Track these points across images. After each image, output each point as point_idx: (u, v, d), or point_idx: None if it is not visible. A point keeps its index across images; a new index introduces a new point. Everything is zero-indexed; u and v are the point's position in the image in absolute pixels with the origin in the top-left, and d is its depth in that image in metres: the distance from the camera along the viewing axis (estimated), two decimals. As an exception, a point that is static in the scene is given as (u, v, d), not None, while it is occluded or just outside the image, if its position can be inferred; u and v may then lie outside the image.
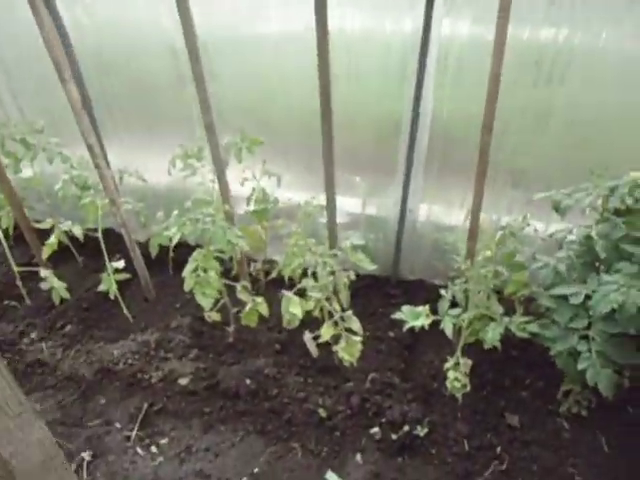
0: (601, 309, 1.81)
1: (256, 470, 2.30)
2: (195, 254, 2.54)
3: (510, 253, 2.36)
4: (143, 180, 3.08)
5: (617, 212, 2.10)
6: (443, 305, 2.33)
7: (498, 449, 2.31)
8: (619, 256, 1.93)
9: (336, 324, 2.36)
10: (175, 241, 2.45)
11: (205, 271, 2.43)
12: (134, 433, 2.46)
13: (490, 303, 2.34)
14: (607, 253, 1.94)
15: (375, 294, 3.17)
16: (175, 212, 2.63)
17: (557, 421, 2.43)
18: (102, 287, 3.10)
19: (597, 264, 2.12)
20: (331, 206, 2.48)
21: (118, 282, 3.06)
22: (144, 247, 3.23)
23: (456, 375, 2.30)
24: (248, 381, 2.57)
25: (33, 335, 2.90)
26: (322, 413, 2.43)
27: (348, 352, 2.34)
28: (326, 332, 2.33)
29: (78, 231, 3.01)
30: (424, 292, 3.13)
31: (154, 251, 3.24)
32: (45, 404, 2.60)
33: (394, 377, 2.59)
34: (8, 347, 2.84)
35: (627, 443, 2.32)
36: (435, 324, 2.92)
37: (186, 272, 2.46)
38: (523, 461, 2.27)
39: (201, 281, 2.42)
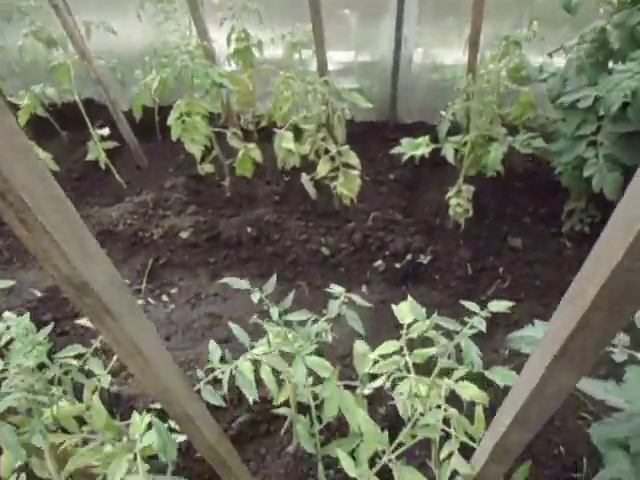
0: (613, 101, 1.69)
1: (265, 307, 2.36)
2: (179, 101, 2.38)
3: (515, 67, 2.19)
4: (113, 32, 2.81)
5: (635, 1, 1.88)
6: (443, 127, 2.21)
7: (500, 269, 2.34)
8: (634, 44, 1.76)
9: (332, 159, 2.27)
10: (155, 85, 2.28)
11: (189, 116, 2.29)
12: (143, 286, 2.50)
13: (493, 125, 2.22)
14: (621, 43, 1.77)
15: (373, 139, 3.04)
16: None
17: (559, 241, 2.44)
18: (90, 156, 2.99)
19: (609, 63, 1.95)
20: (318, 32, 2.25)
21: (107, 151, 2.95)
22: (129, 115, 3.07)
23: (458, 201, 2.26)
24: (249, 229, 2.56)
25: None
26: (325, 252, 2.44)
27: (347, 187, 2.28)
28: (322, 167, 2.25)
29: (52, 92, 2.81)
30: (424, 133, 3.00)
31: (138, 114, 3.06)
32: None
33: (396, 214, 2.57)
34: None
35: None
36: (437, 164, 2.83)
37: (171, 119, 2.32)
38: (525, 278, 2.30)
39: (188, 127, 2.29)
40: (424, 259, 2.34)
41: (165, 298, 2.47)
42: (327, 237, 2.47)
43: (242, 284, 1.33)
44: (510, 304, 1.16)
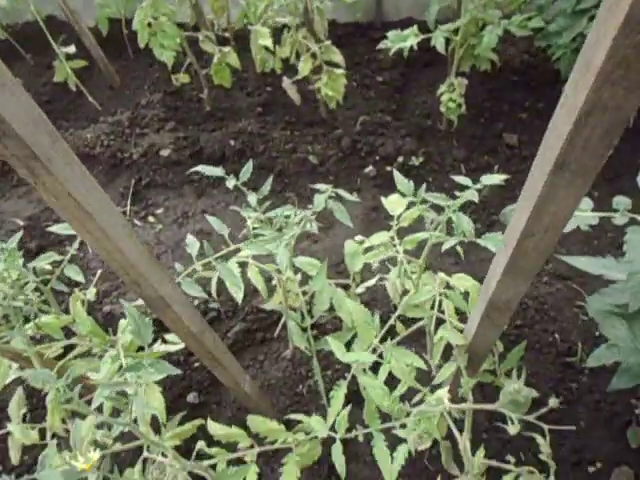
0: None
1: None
2: (144, 3, 2.17)
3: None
4: None
5: None
6: (432, 10, 2.03)
7: (496, 167, 2.25)
8: None
9: (314, 56, 2.11)
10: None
11: (156, 18, 2.10)
12: (128, 208, 2.42)
13: (487, 8, 2.03)
14: None
15: (359, 42, 2.84)
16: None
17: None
18: (58, 77, 2.81)
19: None
20: None
21: (75, 71, 2.76)
22: (97, 33, 2.85)
23: (451, 96, 2.13)
24: (232, 142, 2.43)
25: None
26: (313, 160, 2.34)
27: (332, 88, 2.13)
28: (304, 66, 2.09)
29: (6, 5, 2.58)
30: (413, 31, 2.79)
31: (104, 27, 2.86)
32: (30, 196, 2.54)
33: (385, 117, 2.43)
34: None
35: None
36: (427, 64, 2.65)
37: (135, 23, 2.13)
38: (522, 174, 2.22)
39: (156, 31, 2.10)
40: (416, 161, 2.24)
41: (152, 219, 2.40)
42: (314, 145, 2.36)
43: (216, 171, 1.24)
44: (504, 176, 1.08)
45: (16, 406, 1.46)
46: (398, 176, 1.20)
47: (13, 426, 1.23)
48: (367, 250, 1.33)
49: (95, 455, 0.71)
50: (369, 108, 2.51)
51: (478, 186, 1.06)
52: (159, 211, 2.42)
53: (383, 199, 1.45)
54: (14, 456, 1.39)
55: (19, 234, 1.21)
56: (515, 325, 1.83)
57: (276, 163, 2.36)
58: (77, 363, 1.32)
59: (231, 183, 1.24)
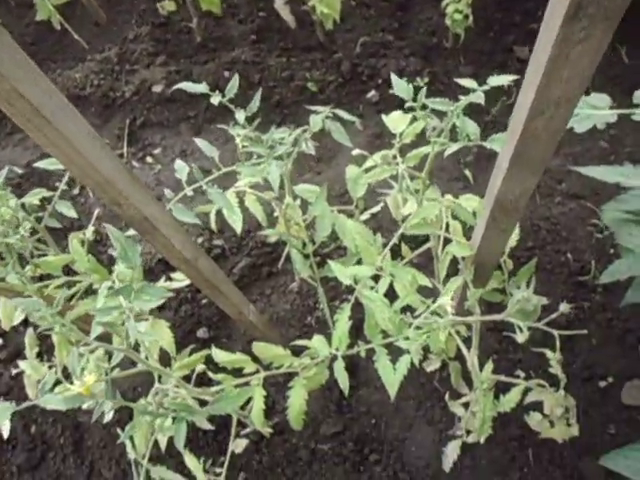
0: None
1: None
2: None
3: None
4: None
5: None
6: None
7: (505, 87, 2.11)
8: None
9: (307, -30, 1.94)
10: None
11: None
12: (125, 150, 2.36)
13: None
14: None
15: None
16: None
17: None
18: (40, 15, 2.65)
19: None
20: None
21: (58, 8, 2.60)
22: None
23: (456, 6, 1.97)
24: (226, 73, 2.31)
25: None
26: (312, 88, 2.22)
27: (328, 5, 1.98)
28: (296, -19, 1.93)
29: None
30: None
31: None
32: (26, 143, 2.47)
33: (387, 36, 2.28)
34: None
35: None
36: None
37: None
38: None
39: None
40: (421, 82, 2.11)
41: (149, 160, 2.34)
42: (312, 71, 2.23)
43: (198, 87, 1.16)
44: (513, 77, 0.99)
45: (28, 346, 1.48)
46: (395, 79, 1.11)
47: (24, 363, 1.25)
48: (368, 171, 1.27)
49: (91, 378, 0.70)
50: (369, 28, 2.35)
51: (485, 87, 0.97)
52: (157, 151, 2.35)
53: (384, 117, 1.36)
54: (31, 392, 1.43)
55: (4, 171, 1.17)
56: (526, 247, 1.78)
57: (274, 93, 2.25)
58: (79, 303, 1.31)
59: (216, 100, 1.17)
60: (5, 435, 1.63)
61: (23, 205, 1.17)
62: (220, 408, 0.81)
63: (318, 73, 2.21)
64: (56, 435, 1.71)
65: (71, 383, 1.34)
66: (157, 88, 2.36)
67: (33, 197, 1.19)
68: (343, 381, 0.88)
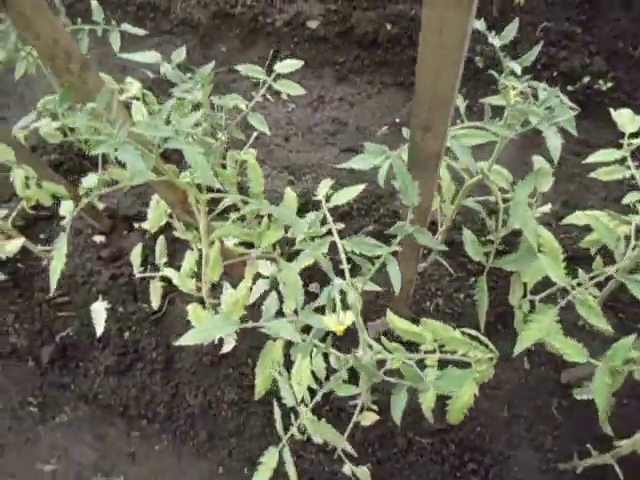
0: None
1: (397, 120, 2.09)
2: None
3: None
4: None
5: None
6: None
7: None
8: None
9: None
10: None
11: None
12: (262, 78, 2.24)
13: None
14: None
15: None
16: None
17: None
18: None
19: None
20: None
21: None
22: None
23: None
24: (388, 26, 2.16)
25: (137, -26, 2.53)
26: (479, 63, 2.04)
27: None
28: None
29: None
30: None
31: None
32: (164, 49, 2.40)
33: (573, 27, 2.07)
34: (114, -14, 2.53)
35: None
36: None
37: None
38: None
39: None
40: (603, 86, 1.91)
41: (285, 97, 2.23)
42: (482, 46, 2.05)
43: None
44: None
45: (159, 253, 1.43)
46: None
47: (170, 270, 1.18)
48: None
49: (349, 318, 0.60)
50: (553, 14, 2.14)
51: None
52: (294, 91, 2.24)
53: (612, 111, 1.20)
54: (155, 301, 1.38)
55: (210, 65, 1.08)
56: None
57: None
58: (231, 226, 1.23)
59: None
60: (98, 333, 1.61)
61: (214, 107, 1.08)
62: (442, 386, 0.72)
63: (488, 49, 2.03)
64: (149, 348, 1.67)
65: (212, 308, 1.28)
66: (312, 24, 2.23)
67: (230, 101, 1.09)
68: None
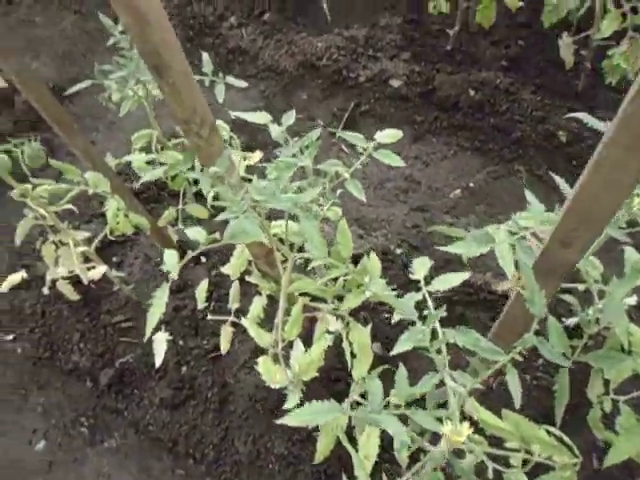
0: None
1: (471, 185, 2.08)
2: None
3: None
4: None
5: None
6: None
7: None
8: None
9: (624, 17, 1.74)
10: None
11: None
12: (339, 130, 2.30)
13: None
14: None
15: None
16: None
17: None
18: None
19: None
20: None
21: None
22: None
23: None
24: (472, 92, 2.18)
25: (232, 20, 2.68)
26: (563, 137, 2.02)
27: (627, 59, 1.77)
28: (608, 25, 1.73)
29: None
30: None
31: None
32: (248, 93, 2.51)
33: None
34: (209, 30, 2.68)
35: None
36: None
37: None
38: None
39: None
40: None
41: (360, 149, 2.26)
42: (570, 122, 2.03)
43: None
44: None
45: (232, 298, 1.45)
46: None
47: (247, 321, 1.19)
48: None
49: (466, 430, 0.58)
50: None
51: None
52: (370, 143, 2.27)
53: None
54: (225, 346, 1.39)
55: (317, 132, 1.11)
56: None
57: (516, 128, 2.08)
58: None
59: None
60: (157, 364, 1.63)
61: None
62: None
63: (576, 126, 2.01)
64: (205, 386, 1.68)
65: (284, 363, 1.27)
66: (394, 82, 2.28)
67: (332, 167, 1.12)
68: None
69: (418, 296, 0.91)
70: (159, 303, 0.93)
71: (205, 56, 1.47)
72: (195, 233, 1.02)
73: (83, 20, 3.04)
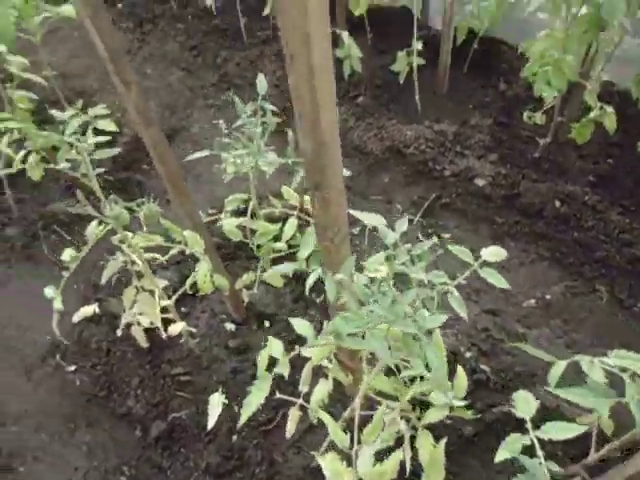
0: None
1: (547, 296, 2.04)
2: (541, 33, 2.02)
3: None
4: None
5: None
6: None
7: None
8: None
9: None
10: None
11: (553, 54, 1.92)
12: (417, 218, 2.34)
13: None
14: None
15: None
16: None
17: None
18: (396, 66, 2.84)
19: None
20: None
21: (410, 66, 2.76)
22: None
23: None
24: (557, 203, 2.18)
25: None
26: (651, 266, 1.97)
27: None
28: None
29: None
30: None
31: (462, 35, 2.79)
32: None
33: None
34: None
35: None
36: None
37: (533, 51, 1.98)
38: None
39: (550, 64, 1.93)
40: None
41: (435, 239, 2.28)
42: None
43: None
44: None
45: (304, 379, 1.44)
46: None
47: (324, 415, 1.18)
48: None
49: None
50: None
51: None
52: (446, 235, 2.29)
53: None
54: (291, 430, 1.37)
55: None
56: None
57: (599, 247, 2.05)
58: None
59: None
60: (209, 427, 1.62)
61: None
62: None
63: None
64: (254, 460, 1.65)
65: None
66: (479, 181, 2.32)
67: (438, 278, 1.14)
68: None
69: (525, 440, 0.88)
70: (258, 394, 0.94)
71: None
72: (302, 327, 1.04)
73: (188, 77, 3.30)
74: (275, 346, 1.00)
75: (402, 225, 1.19)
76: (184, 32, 3.50)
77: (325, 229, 0.87)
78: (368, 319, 0.80)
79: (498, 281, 1.21)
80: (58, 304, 1.42)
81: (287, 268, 1.05)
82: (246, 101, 1.51)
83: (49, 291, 1.43)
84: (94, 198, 1.41)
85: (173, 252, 1.50)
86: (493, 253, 1.24)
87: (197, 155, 1.51)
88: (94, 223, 1.43)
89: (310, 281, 1.09)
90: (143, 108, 1.27)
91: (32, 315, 2.21)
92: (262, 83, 1.50)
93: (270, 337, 1.07)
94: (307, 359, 1.28)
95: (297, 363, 1.58)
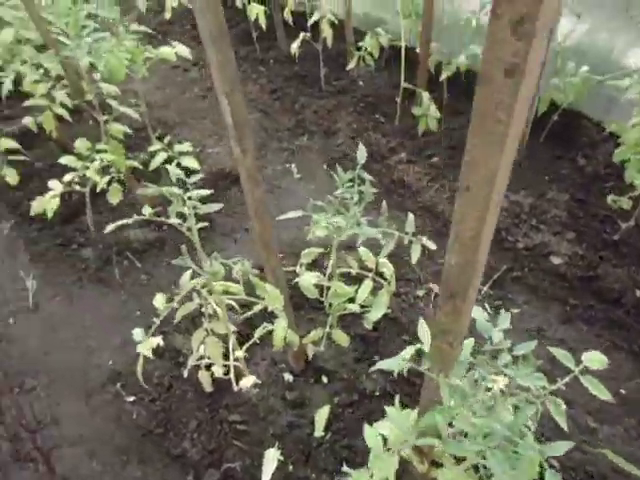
0: None
1: (622, 391, 1.94)
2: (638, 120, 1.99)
3: None
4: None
5: None
6: None
7: None
8: None
9: None
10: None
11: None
12: (485, 288, 2.30)
13: None
14: None
15: None
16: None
17: None
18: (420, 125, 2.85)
19: None
20: None
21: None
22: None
23: None
24: (638, 292, 2.10)
25: (402, 155, 2.87)
26: None
27: None
28: None
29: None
30: None
31: (544, 107, 2.78)
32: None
33: None
34: (379, 158, 2.88)
35: None
36: None
37: (627, 137, 1.95)
38: None
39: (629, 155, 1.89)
40: None
41: (502, 311, 2.23)
42: None
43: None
44: None
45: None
46: None
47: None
48: None
49: None
50: None
51: None
52: (515, 310, 2.23)
53: None
54: None
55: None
56: None
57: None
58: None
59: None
60: (264, 481, 1.60)
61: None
62: None
63: None
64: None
65: None
66: (555, 259, 2.27)
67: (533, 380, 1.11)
68: None
69: None
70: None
71: (410, 217, 1.56)
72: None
73: (264, 118, 3.40)
74: (371, 437, 0.99)
75: (505, 321, 1.17)
76: (265, 75, 3.64)
77: (447, 333, 0.86)
78: (488, 435, 0.78)
79: (601, 392, 1.16)
80: (144, 348, 1.45)
81: (389, 364, 1.04)
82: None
83: (137, 332, 1.47)
84: (192, 250, 1.45)
85: (258, 308, 1.52)
86: (595, 360, 1.18)
87: (291, 215, 1.55)
88: (188, 274, 1.47)
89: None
90: (254, 171, 1.32)
91: (98, 338, 2.28)
92: (362, 152, 1.53)
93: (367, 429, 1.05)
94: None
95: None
